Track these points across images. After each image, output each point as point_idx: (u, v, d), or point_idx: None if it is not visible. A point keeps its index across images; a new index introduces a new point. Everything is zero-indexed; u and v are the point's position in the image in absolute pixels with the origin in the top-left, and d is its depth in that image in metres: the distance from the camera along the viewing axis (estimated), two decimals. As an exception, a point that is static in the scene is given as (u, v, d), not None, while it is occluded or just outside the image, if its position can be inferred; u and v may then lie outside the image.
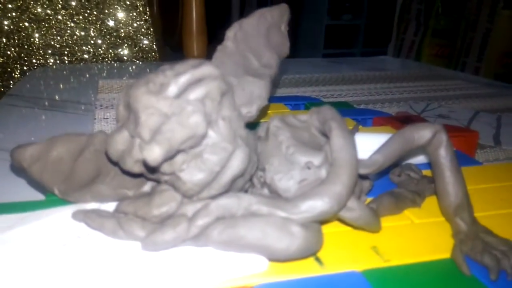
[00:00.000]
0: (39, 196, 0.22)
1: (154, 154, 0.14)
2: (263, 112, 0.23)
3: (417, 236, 0.19)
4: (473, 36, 1.60)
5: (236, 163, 0.17)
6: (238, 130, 0.17)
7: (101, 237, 0.17)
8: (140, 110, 0.15)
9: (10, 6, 0.80)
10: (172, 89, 0.16)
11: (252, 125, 0.20)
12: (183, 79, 0.16)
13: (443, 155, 0.19)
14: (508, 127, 0.44)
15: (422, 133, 0.19)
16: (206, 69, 0.17)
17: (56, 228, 0.18)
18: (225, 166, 0.17)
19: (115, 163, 0.18)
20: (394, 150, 0.19)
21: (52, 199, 0.21)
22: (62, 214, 0.19)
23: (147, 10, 0.85)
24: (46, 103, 0.49)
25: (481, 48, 1.58)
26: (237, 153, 0.17)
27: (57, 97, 0.52)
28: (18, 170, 0.21)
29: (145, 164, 0.15)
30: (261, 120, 0.25)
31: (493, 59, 1.57)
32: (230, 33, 0.22)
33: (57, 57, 0.83)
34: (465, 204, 0.19)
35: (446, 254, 0.18)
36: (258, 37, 0.22)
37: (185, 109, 0.15)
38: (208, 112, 0.16)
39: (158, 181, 0.18)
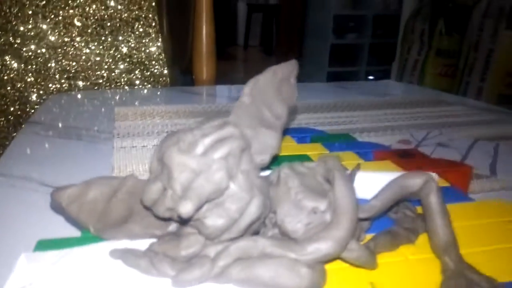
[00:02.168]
0: (75, 232, 0.25)
1: (187, 208, 0.17)
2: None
3: (411, 272, 0.22)
4: (476, 57, 1.62)
5: (253, 210, 0.19)
6: (254, 181, 0.20)
7: (136, 274, 0.20)
8: (173, 168, 0.18)
9: (29, 34, 0.84)
10: (200, 149, 0.19)
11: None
12: (209, 140, 0.19)
13: (433, 201, 0.21)
14: (505, 156, 0.46)
15: (415, 181, 0.21)
16: (229, 130, 0.19)
17: (95, 265, 0.21)
18: (243, 213, 0.19)
19: (148, 208, 0.21)
20: (390, 196, 0.21)
21: (87, 236, 0.24)
22: (98, 252, 0.22)
23: (159, 36, 0.89)
24: (65, 130, 0.52)
25: (484, 68, 1.61)
26: (254, 201, 0.19)
27: (74, 124, 0.55)
28: (57, 208, 0.24)
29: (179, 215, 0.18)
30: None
31: (496, 79, 1.59)
32: (246, 90, 0.24)
33: (72, 81, 0.87)
34: (452, 244, 0.21)
35: (436, 290, 0.20)
36: (270, 91, 0.25)
37: (211, 167, 0.18)
38: (230, 168, 0.19)
39: (182, 223, 0.21)
